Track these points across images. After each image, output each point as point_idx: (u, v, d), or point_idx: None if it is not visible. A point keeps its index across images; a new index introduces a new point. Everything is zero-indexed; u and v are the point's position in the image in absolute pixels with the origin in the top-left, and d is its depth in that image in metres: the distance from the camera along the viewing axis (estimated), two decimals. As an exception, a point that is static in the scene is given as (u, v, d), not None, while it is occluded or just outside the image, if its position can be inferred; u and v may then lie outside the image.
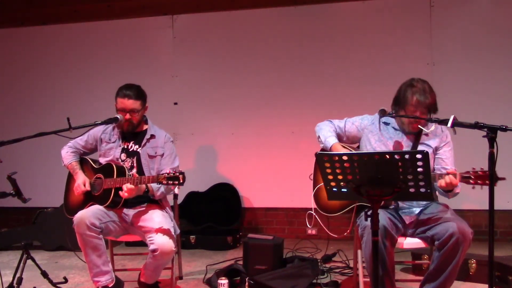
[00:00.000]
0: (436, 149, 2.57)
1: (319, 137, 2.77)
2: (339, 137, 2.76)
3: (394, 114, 2.55)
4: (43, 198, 4.54)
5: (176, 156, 2.99)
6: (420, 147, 2.55)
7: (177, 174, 2.49)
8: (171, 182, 2.50)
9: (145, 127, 3.00)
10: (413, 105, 2.44)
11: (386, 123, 2.67)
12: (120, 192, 2.66)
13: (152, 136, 2.96)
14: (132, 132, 2.95)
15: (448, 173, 2.25)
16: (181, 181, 2.49)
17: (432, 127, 2.58)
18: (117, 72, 4.95)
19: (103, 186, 2.80)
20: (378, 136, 2.64)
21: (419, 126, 2.48)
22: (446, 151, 2.56)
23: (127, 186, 2.62)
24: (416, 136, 2.59)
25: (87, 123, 2.70)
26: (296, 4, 4.70)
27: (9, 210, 5.05)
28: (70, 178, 3.04)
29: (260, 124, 4.77)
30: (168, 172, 2.52)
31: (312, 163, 2.86)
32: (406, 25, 4.50)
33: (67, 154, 3.02)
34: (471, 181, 2.15)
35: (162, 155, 2.93)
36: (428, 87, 2.49)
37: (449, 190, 2.37)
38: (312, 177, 2.82)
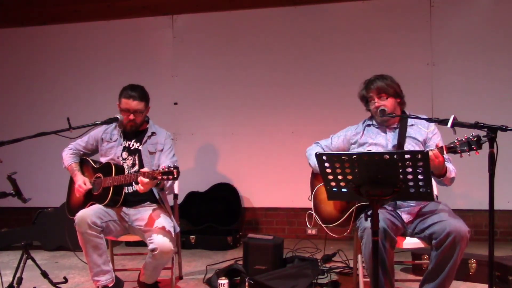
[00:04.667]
0: (424, 142, 2.61)
1: (309, 164, 2.84)
2: None
3: (394, 114, 2.57)
4: (43, 198, 4.55)
5: (175, 155, 3.00)
6: (407, 141, 2.58)
7: (172, 169, 2.48)
8: (166, 177, 2.49)
9: (146, 126, 3.03)
10: (368, 94, 2.64)
11: (369, 125, 2.74)
12: (136, 186, 2.63)
13: (153, 134, 2.99)
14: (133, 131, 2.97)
15: (432, 149, 2.28)
16: (175, 176, 2.48)
17: (432, 126, 2.61)
18: (117, 72, 4.95)
19: (102, 184, 2.80)
20: (363, 140, 2.70)
21: (380, 108, 2.57)
22: (436, 142, 2.56)
23: (141, 180, 2.55)
24: (401, 129, 2.62)
25: (87, 123, 2.70)
26: (296, 4, 4.70)
27: (9, 210, 5.05)
28: (72, 180, 3.05)
29: (260, 124, 4.77)
30: (163, 167, 2.52)
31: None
32: (406, 25, 4.50)
33: (67, 156, 3.04)
34: (458, 150, 2.17)
35: (161, 150, 2.95)
36: (379, 76, 2.66)
37: (441, 175, 2.39)
38: (310, 198, 2.85)
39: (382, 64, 4.46)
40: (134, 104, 2.85)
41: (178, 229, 2.93)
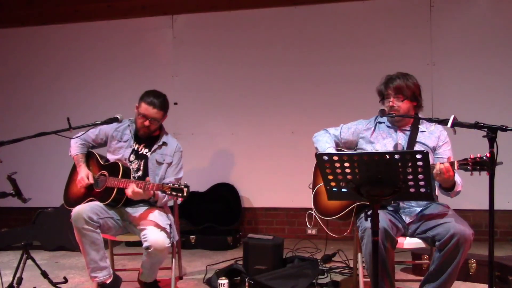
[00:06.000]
0: (434, 149, 2.57)
1: (316, 148, 2.79)
2: (336, 145, 2.78)
3: (394, 114, 2.56)
4: (43, 198, 4.53)
5: (182, 169, 3.02)
6: (417, 146, 2.56)
7: (182, 187, 2.51)
8: (175, 193, 2.51)
9: (158, 132, 3.02)
10: (386, 91, 2.60)
11: (380, 122, 2.70)
12: (126, 190, 2.66)
13: (164, 144, 2.98)
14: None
15: (444, 162, 2.24)
16: (184, 195, 2.51)
17: (432, 126, 2.60)
18: (117, 72, 4.96)
19: (106, 183, 2.80)
20: (373, 138, 2.67)
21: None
22: (446, 151, 2.56)
23: (133, 189, 2.61)
24: (412, 133, 2.60)
25: (87, 123, 2.70)
26: (296, 4, 4.70)
27: (9, 210, 5.05)
28: (74, 169, 3.03)
29: (260, 124, 4.77)
30: (173, 183, 2.53)
31: (312, 163, 2.86)
32: (406, 25, 4.50)
33: (76, 145, 3.02)
34: (468, 167, 2.14)
35: (169, 164, 2.94)
36: (403, 75, 2.61)
37: (449, 189, 2.37)
38: (311, 186, 2.83)
39: (382, 64, 4.45)
40: (154, 112, 2.86)
41: (177, 237, 2.93)
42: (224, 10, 4.84)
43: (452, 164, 2.22)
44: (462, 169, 2.18)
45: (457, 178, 2.40)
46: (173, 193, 2.51)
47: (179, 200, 2.84)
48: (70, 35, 5.12)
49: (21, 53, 5.22)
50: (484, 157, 2.08)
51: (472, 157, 2.14)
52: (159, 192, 2.74)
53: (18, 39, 5.23)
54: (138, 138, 2.97)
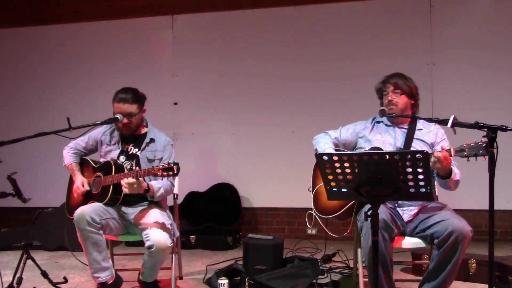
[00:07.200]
0: (432, 145, 2.61)
1: (316, 150, 2.81)
2: (336, 146, 2.82)
3: (394, 114, 2.58)
4: (43, 198, 4.55)
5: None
6: (415, 142, 2.59)
7: (172, 165, 2.49)
8: (166, 173, 2.50)
9: (144, 130, 3.00)
10: (384, 88, 2.68)
11: (379, 122, 2.75)
12: (122, 188, 2.66)
13: (152, 140, 2.96)
14: (132, 135, 2.96)
15: (441, 151, 2.26)
16: (175, 172, 2.49)
17: (432, 126, 2.62)
18: (117, 72, 4.96)
19: (102, 183, 2.81)
20: (372, 136, 2.70)
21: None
22: (445, 147, 2.56)
23: (127, 181, 2.60)
24: (410, 130, 2.63)
25: (87, 123, 2.70)
26: (296, 4, 4.70)
27: (9, 210, 5.05)
28: (72, 179, 3.05)
29: (260, 124, 4.77)
30: (163, 164, 2.53)
31: (312, 163, 2.86)
32: (406, 25, 4.50)
33: (68, 155, 3.04)
34: (465, 153, 2.16)
35: (160, 159, 2.94)
36: (401, 74, 2.71)
37: (446, 177, 2.38)
38: (310, 188, 2.84)
39: (382, 64, 4.45)
40: (126, 107, 2.82)
41: (177, 233, 2.93)
42: (224, 10, 4.84)
43: (448, 151, 2.25)
44: (459, 155, 2.21)
45: (455, 168, 2.43)
46: (164, 173, 2.50)
47: (172, 179, 2.85)
48: (70, 35, 5.12)
49: (21, 53, 5.23)
50: (480, 143, 2.11)
51: (467, 143, 2.17)
52: (153, 185, 2.75)
53: (18, 39, 5.23)
54: (126, 139, 2.96)
